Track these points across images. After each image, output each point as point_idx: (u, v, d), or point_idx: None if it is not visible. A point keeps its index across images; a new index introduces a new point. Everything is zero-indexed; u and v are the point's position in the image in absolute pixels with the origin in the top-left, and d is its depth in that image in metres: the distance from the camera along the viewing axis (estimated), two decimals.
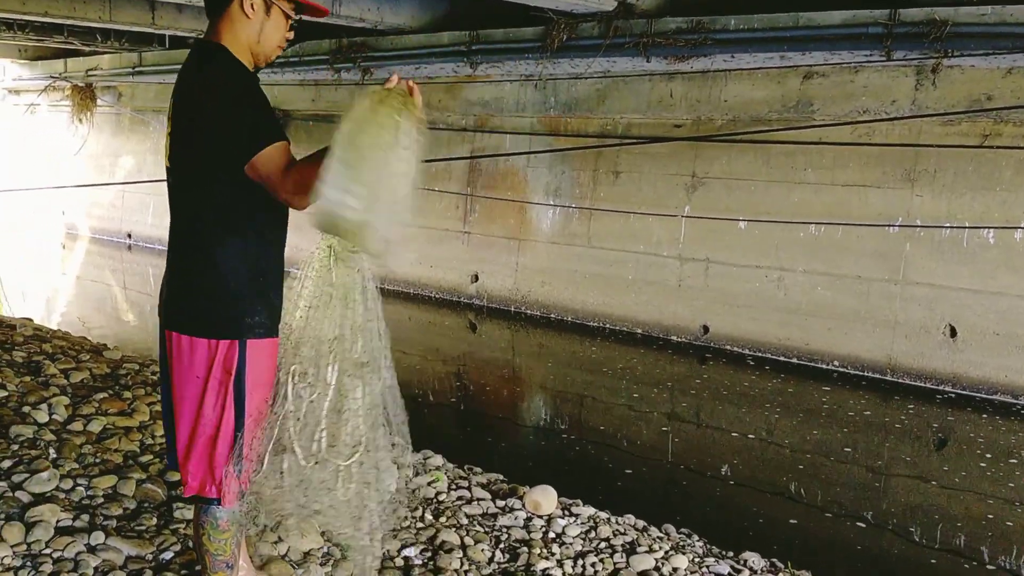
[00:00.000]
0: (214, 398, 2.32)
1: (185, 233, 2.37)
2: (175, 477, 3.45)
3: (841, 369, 7.44)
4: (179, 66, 2.43)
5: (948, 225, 6.96)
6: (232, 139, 2.21)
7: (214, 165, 2.26)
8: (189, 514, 3.29)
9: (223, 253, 2.30)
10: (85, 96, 15.12)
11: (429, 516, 3.67)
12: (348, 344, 2.32)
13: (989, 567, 4.28)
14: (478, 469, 4.52)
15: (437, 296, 10.20)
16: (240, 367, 2.32)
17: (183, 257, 2.38)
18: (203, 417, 2.34)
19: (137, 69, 13.48)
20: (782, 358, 7.77)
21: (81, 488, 3.48)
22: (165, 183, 2.43)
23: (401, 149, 2.06)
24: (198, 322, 2.34)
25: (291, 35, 2.45)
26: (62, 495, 3.39)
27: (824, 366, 7.53)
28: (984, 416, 6.51)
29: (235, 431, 2.34)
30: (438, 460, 4.44)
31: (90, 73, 14.64)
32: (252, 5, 2.33)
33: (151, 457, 3.86)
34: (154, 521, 3.28)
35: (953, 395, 6.88)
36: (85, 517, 3.24)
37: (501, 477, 4.44)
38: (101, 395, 4.61)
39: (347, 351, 2.34)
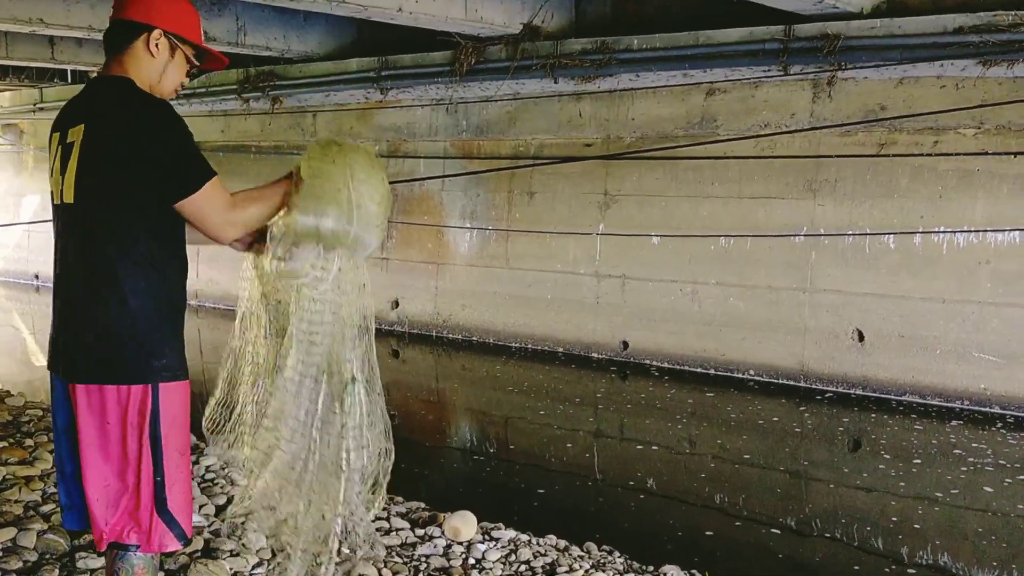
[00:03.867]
0: (132, 443, 2.22)
1: (87, 273, 2.25)
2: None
3: (757, 377, 7.59)
4: None
5: (851, 233, 7.17)
6: (173, 172, 2.20)
7: (139, 199, 2.21)
8: (94, 564, 3.18)
9: (134, 292, 2.22)
10: None
11: (345, 550, 3.61)
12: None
13: (909, 569, 4.35)
14: (399, 498, 4.48)
15: None
16: (155, 411, 2.23)
17: (85, 300, 2.25)
18: (121, 464, 2.23)
19: (39, 105, 13.11)
20: (700, 370, 7.89)
21: None
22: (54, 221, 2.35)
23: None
24: (105, 368, 2.23)
25: (187, 80, 2.47)
26: None
27: (740, 375, 7.67)
28: (894, 416, 6.70)
29: (154, 476, 2.25)
30: None
31: None
32: (157, 45, 2.34)
33: (53, 506, 3.73)
34: (56, 573, 3.16)
35: (864, 397, 7.07)
36: None
37: (422, 505, 4.40)
38: (1, 444, 4.44)
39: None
